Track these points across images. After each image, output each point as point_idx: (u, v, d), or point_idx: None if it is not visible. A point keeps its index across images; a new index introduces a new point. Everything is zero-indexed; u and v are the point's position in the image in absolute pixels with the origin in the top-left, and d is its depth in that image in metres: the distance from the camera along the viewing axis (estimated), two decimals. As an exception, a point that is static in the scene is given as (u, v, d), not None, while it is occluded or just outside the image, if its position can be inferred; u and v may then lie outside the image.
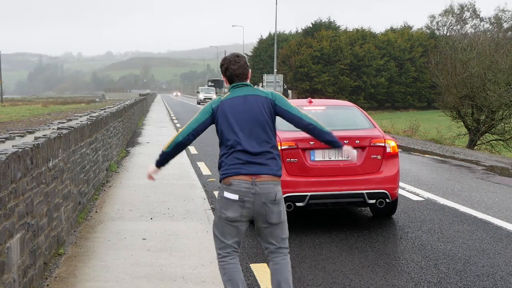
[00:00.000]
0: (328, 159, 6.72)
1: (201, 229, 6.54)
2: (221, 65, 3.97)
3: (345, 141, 5.68)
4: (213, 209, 7.70)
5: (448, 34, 71.08)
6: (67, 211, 5.95)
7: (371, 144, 6.76)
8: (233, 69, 3.89)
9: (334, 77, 57.66)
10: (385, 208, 7.04)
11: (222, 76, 3.99)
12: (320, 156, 6.70)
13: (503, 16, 73.42)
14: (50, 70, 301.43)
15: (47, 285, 4.63)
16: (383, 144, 6.80)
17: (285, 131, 6.65)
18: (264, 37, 71.77)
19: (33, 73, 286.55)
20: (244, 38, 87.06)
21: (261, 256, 5.77)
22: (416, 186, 9.76)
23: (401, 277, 5.08)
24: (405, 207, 8.06)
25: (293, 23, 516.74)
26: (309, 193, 6.59)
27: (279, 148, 6.31)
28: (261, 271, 5.24)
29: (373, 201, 6.73)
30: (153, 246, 5.82)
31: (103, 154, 9.39)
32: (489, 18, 74.04)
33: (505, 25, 69.61)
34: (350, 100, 55.07)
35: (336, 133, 4.83)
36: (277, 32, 55.05)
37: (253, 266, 5.39)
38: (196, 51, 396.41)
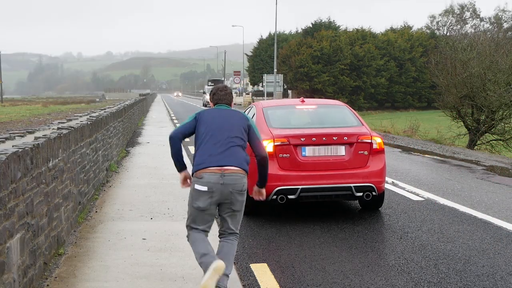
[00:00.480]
0: (318, 154, 7.12)
1: (201, 229, 6.54)
2: (211, 92, 4.90)
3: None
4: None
5: (448, 34, 71.09)
6: (67, 211, 5.95)
7: (359, 140, 7.18)
8: (221, 94, 4.80)
9: (334, 77, 57.62)
10: (372, 201, 7.47)
11: (210, 100, 4.81)
12: (311, 152, 7.10)
13: (503, 16, 73.43)
14: (50, 70, 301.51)
15: (47, 285, 4.63)
16: (369, 141, 7.23)
17: (277, 128, 7.30)
18: (264, 37, 71.75)
19: (33, 73, 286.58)
20: (244, 38, 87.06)
21: (261, 256, 5.77)
22: (416, 186, 9.76)
23: (401, 277, 5.08)
24: (405, 207, 8.06)
25: (293, 23, 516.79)
26: (300, 186, 6.97)
27: (273, 145, 6.97)
28: (261, 271, 5.24)
29: (361, 194, 7.11)
30: (153, 246, 5.82)
31: (103, 154, 9.39)
32: (489, 18, 74.06)
33: (505, 25, 69.60)
34: (350, 100, 55.35)
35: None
36: (277, 32, 55.04)
37: (253, 266, 5.39)
38: (196, 51, 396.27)
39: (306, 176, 7.02)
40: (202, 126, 4.57)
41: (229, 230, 4.60)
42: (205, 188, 4.37)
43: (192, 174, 4.52)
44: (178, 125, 4.73)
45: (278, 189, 6.91)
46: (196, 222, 4.52)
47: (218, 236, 4.70)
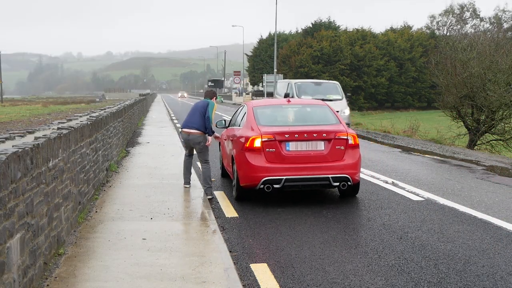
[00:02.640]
0: (300, 149, 8.09)
1: (201, 229, 6.54)
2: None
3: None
4: (213, 208, 7.84)
5: (448, 34, 71.09)
6: (67, 211, 5.95)
7: (336, 137, 8.15)
8: (205, 94, 9.29)
9: (334, 77, 57.56)
10: (347, 190, 8.48)
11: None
12: (294, 146, 8.08)
13: (503, 16, 73.49)
14: (50, 70, 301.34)
15: (47, 285, 4.63)
16: (346, 137, 8.20)
17: (265, 126, 8.31)
18: (264, 37, 71.79)
19: (33, 73, 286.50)
20: (244, 38, 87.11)
21: (261, 256, 5.77)
22: (416, 186, 9.76)
23: (401, 277, 5.08)
24: (405, 207, 8.06)
25: (293, 23, 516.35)
26: (284, 177, 7.94)
27: (261, 141, 8.05)
28: (261, 271, 5.24)
29: (337, 183, 8.10)
30: (153, 246, 5.82)
31: (103, 154, 9.39)
32: (489, 18, 74.11)
33: (505, 25, 69.66)
34: (350, 100, 55.23)
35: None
36: (277, 32, 55.02)
37: (253, 266, 5.39)
38: (196, 51, 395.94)
39: (289, 168, 7.97)
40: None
41: (199, 158, 8.88)
42: (182, 139, 9.19)
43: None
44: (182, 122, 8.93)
45: (265, 179, 7.91)
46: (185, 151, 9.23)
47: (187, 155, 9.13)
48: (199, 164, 11.70)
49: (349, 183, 8.10)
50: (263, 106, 9.20)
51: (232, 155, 8.78)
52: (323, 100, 11.99)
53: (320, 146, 8.10)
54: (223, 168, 10.55)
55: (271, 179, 7.90)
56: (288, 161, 7.98)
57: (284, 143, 8.03)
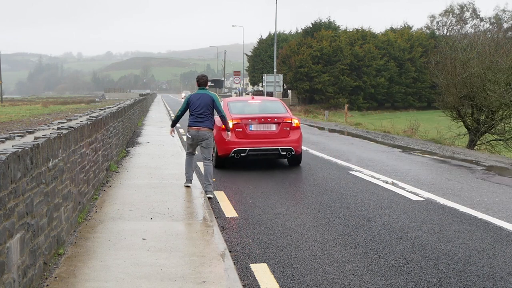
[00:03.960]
0: (259, 129, 11.71)
1: (201, 229, 6.54)
2: (197, 78, 9.30)
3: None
4: (213, 208, 7.80)
5: (448, 34, 71.08)
6: (67, 211, 5.95)
7: (284, 121, 11.77)
8: (200, 82, 9.23)
9: (334, 77, 57.62)
10: (292, 159, 12.18)
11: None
12: (254, 128, 11.71)
13: (503, 16, 73.44)
14: (50, 70, 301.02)
15: (47, 285, 4.63)
16: (290, 122, 11.83)
17: (235, 114, 11.86)
18: (264, 37, 71.71)
19: (33, 73, 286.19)
20: (244, 38, 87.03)
21: (261, 256, 5.77)
22: (416, 186, 9.76)
23: (401, 277, 5.08)
24: (405, 207, 8.06)
25: (293, 23, 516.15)
26: (248, 148, 11.54)
27: (232, 123, 11.35)
28: (261, 271, 5.24)
29: (284, 153, 11.64)
30: (153, 246, 5.82)
31: (103, 154, 9.39)
32: (489, 18, 74.08)
33: (505, 25, 69.63)
34: (349, 100, 55.33)
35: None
36: (277, 32, 55.04)
37: (253, 266, 5.39)
38: (196, 51, 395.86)
39: (251, 142, 11.59)
40: (190, 105, 9.07)
41: (203, 155, 9.10)
42: (190, 136, 9.12)
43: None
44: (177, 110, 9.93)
45: (235, 150, 11.50)
46: (188, 148, 9.33)
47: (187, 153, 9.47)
48: (199, 164, 11.71)
49: (292, 153, 11.65)
50: (235, 101, 12.96)
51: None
52: None
53: (273, 127, 11.76)
54: None
55: (239, 149, 11.48)
56: (251, 137, 11.60)
57: (248, 125, 11.67)
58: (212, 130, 9.07)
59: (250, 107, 12.67)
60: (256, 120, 11.60)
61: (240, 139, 11.50)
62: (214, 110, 9.00)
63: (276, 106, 12.61)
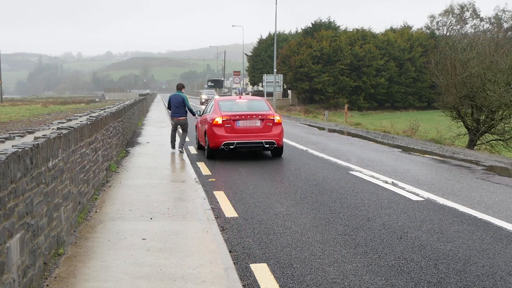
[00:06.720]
0: (246, 125, 13.30)
1: (200, 229, 6.54)
2: (176, 84, 15.18)
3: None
4: (213, 208, 7.80)
5: (448, 34, 71.06)
6: (67, 211, 5.95)
7: (267, 118, 13.39)
8: (178, 87, 15.05)
9: (334, 77, 57.59)
10: (274, 151, 13.82)
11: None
12: (242, 123, 13.31)
13: (503, 16, 73.45)
14: (50, 70, 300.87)
15: (47, 285, 4.63)
16: (273, 118, 13.44)
17: (224, 111, 13.53)
18: (264, 37, 71.67)
19: (33, 73, 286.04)
20: (244, 38, 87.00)
21: (261, 256, 5.77)
22: (416, 186, 9.76)
23: (401, 277, 5.08)
24: (405, 207, 8.05)
25: (293, 23, 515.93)
26: (236, 141, 13.17)
27: (221, 120, 13.21)
28: (261, 271, 5.24)
29: (268, 146, 13.23)
30: (153, 246, 5.81)
31: (103, 154, 9.39)
32: (489, 18, 74.08)
33: (505, 25, 69.65)
34: (349, 100, 55.30)
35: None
36: (277, 32, 54.97)
37: (253, 266, 5.39)
38: (196, 51, 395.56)
39: (239, 136, 13.20)
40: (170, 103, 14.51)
41: (182, 131, 14.63)
42: (173, 123, 14.66)
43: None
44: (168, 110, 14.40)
45: (224, 143, 13.14)
46: (172, 127, 14.79)
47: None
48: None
49: (275, 145, 13.30)
50: (224, 100, 14.81)
51: (205, 130, 13.90)
52: None
53: (257, 123, 13.37)
54: (198, 143, 15.78)
55: (228, 142, 13.15)
56: (238, 132, 13.23)
57: (235, 121, 13.29)
58: (186, 117, 14.46)
59: (238, 105, 14.36)
60: (243, 117, 13.30)
61: (229, 133, 13.17)
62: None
63: (260, 105, 14.35)
